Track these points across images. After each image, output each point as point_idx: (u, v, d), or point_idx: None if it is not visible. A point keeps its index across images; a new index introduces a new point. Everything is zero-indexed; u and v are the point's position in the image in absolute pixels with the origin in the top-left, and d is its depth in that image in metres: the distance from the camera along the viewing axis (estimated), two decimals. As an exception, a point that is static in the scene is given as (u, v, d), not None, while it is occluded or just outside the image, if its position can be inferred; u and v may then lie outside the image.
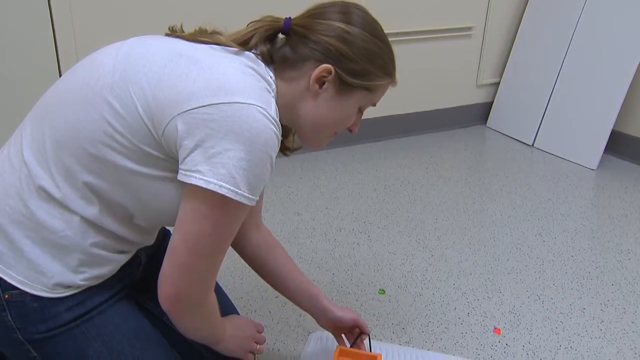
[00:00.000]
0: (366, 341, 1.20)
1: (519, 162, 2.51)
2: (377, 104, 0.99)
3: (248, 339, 1.09)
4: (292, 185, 2.20)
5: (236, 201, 0.78)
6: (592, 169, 2.43)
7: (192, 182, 0.77)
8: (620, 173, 2.40)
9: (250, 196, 0.80)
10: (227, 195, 0.77)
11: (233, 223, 0.83)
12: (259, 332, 1.13)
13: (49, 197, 0.84)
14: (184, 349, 1.06)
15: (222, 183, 0.76)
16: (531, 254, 1.77)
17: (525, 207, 2.09)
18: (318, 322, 1.20)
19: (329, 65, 0.88)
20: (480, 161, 2.58)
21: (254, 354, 1.11)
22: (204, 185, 0.76)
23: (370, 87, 0.92)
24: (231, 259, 1.10)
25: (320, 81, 0.89)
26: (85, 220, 0.86)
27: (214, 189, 0.76)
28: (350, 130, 0.98)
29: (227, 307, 1.18)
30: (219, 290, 1.21)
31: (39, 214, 0.84)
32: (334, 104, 0.91)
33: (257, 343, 1.12)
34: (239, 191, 0.77)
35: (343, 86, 0.90)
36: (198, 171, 0.77)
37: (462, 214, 2.02)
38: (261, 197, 1.10)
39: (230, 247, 0.94)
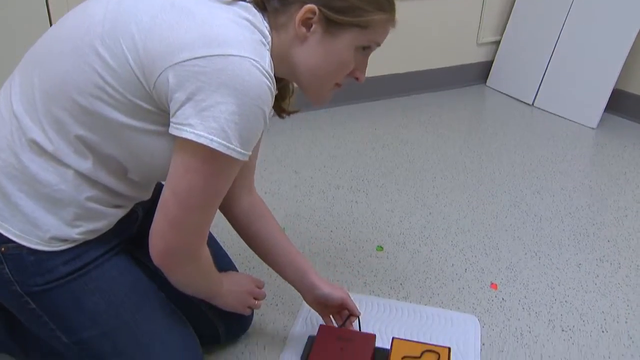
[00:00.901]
0: (355, 323, 1.17)
1: (518, 121, 2.49)
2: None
3: (246, 293, 1.10)
4: (290, 144, 2.19)
5: (227, 155, 0.77)
6: (592, 128, 2.41)
7: (183, 136, 0.76)
8: (620, 132, 2.39)
9: (242, 151, 0.78)
10: (218, 149, 0.76)
11: (224, 178, 0.82)
12: (259, 288, 1.13)
13: (41, 150, 0.83)
14: (182, 304, 1.07)
15: (213, 137, 0.75)
16: (529, 211, 1.78)
17: (524, 165, 2.08)
18: (305, 299, 1.16)
19: (311, 5, 0.83)
20: (480, 120, 2.56)
21: (252, 309, 1.11)
22: (195, 139, 0.75)
23: (362, 23, 0.86)
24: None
25: (307, 24, 0.85)
26: (80, 174, 0.85)
27: (204, 143, 0.75)
28: (357, 79, 0.93)
29: (224, 263, 1.18)
30: (215, 246, 1.21)
31: (32, 167, 0.84)
32: (326, 47, 0.86)
33: (256, 299, 1.13)
34: (230, 145, 0.76)
35: (331, 26, 0.85)
36: (189, 124, 0.75)
37: (460, 172, 2.02)
38: (254, 158, 1.08)
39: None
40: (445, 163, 2.08)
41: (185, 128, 0.76)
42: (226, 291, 1.05)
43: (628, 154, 2.19)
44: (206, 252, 0.91)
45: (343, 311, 1.16)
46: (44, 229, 0.85)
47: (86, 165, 0.85)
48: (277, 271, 1.15)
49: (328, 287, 1.13)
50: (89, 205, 0.87)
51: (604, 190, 1.92)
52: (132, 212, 0.99)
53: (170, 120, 0.78)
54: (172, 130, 0.77)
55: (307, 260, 1.15)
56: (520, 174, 2.01)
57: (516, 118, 2.53)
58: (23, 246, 0.85)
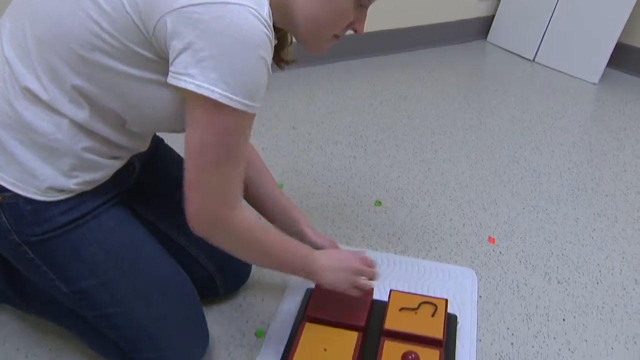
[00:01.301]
0: None
1: (518, 77, 2.46)
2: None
3: (350, 272, 1.02)
4: (288, 99, 2.16)
5: (232, 108, 0.75)
6: (594, 83, 2.39)
7: (182, 86, 0.74)
8: (622, 87, 2.36)
9: (249, 103, 0.76)
10: (220, 100, 0.74)
11: (235, 133, 0.79)
12: (369, 267, 1.05)
13: (35, 98, 0.82)
14: (180, 256, 1.07)
15: (214, 88, 0.73)
16: (528, 167, 1.77)
17: (523, 121, 2.06)
18: None
19: None
20: (480, 76, 2.52)
21: (363, 291, 1.03)
22: (195, 90, 0.73)
23: None
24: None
25: None
26: (75, 123, 0.83)
27: (205, 94, 0.73)
28: (355, 31, 0.91)
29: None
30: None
31: (26, 115, 0.82)
32: None
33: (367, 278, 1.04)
34: (234, 97, 0.74)
35: None
36: (188, 74, 0.73)
37: (459, 128, 2.00)
38: None
39: None
40: (444, 119, 2.06)
41: (184, 78, 0.74)
42: (323, 268, 0.99)
43: (629, 109, 2.17)
44: (248, 220, 0.87)
45: None
46: (40, 178, 0.84)
47: (82, 115, 0.83)
48: (272, 222, 1.13)
49: (315, 236, 1.11)
50: (86, 156, 0.86)
51: (604, 145, 1.91)
52: (129, 164, 0.98)
53: (169, 69, 0.76)
54: (171, 80, 0.75)
55: (303, 213, 1.14)
56: (519, 130, 2.00)
57: (516, 74, 2.50)
58: (20, 195, 0.84)
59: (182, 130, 0.92)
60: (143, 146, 0.98)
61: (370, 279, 1.04)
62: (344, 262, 1.02)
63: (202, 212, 0.83)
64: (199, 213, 0.83)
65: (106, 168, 0.91)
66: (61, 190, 0.86)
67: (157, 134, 1.12)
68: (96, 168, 0.89)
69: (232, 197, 0.84)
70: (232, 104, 0.75)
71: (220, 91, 0.73)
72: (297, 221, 1.12)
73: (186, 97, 0.77)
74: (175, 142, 1.18)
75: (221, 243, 0.89)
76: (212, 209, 0.83)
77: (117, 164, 0.94)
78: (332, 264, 1.00)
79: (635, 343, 1.15)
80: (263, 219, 1.12)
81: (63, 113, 0.82)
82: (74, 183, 0.87)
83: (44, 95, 0.81)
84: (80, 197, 0.89)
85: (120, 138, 0.89)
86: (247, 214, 0.87)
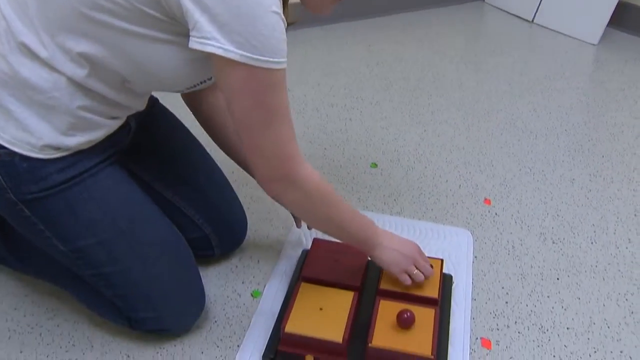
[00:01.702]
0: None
1: (517, 39, 2.43)
2: None
3: (407, 257, 1.03)
4: (283, 62, 2.13)
5: (263, 68, 0.74)
6: (593, 44, 2.35)
7: (209, 50, 0.72)
8: (622, 47, 2.33)
9: (278, 60, 0.75)
10: (250, 63, 0.73)
11: (273, 91, 0.78)
12: (425, 262, 1.06)
13: (32, 55, 0.80)
14: (176, 217, 1.07)
15: (242, 52, 0.72)
16: (525, 128, 1.76)
17: (521, 83, 2.04)
18: None
19: None
20: (477, 38, 2.48)
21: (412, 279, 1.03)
22: (223, 54, 0.72)
23: None
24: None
25: None
26: (73, 82, 0.82)
27: (234, 58, 0.72)
28: None
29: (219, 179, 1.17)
30: (211, 163, 1.18)
31: (23, 71, 0.80)
32: None
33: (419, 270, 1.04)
34: (262, 58, 0.73)
35: None
36: (214, 38, 0.72)
37: (456, 90, 1.98)
38: None
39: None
40: (441, 81, 2.04)
41: (210, 42, 0.72)
42: (384, 245, 1.00)
43: (629, 69, 2.15)
44: (315, 176, 0.88)
45: None
46: (36, 135, 0.83)
47: (81, 73, 0.81)
48: (243, 167, 1.13)
49: None
50: (83, 115, 0.85)
51: (601, 106, 1.90)
52: (125, 123, 0.97)
53: (191, 33, 0.74)
54: (195, 45, 0.74)
55: None
56: (517, 92, 1.98)
57: (515, 35, 2.46)
58: (15, 153, 0.83)
59: (184, 90, 0.91)
60: (141, 105, 0.97)
61: (423, 273, 1.04)
62: (404, 246, 1.04)
63: (269, 173, 0.85)
64: (266, 174, 0.85)
65: (104, 128, 0.90)
66: (58, 148, 0.85)
67: (153, 93, 1.10)
68: (93, 127, 0.88)
69: (292, 152, 0.85)
70: (262, 64, 0.74)
71: (248, 54, 0.73)
72: None
73: (215, 63, 0.76)
74: (170, 102, 1.17)
75: (292, 201, 0.90)
76: (276, 167, 0.85)
77: (115, 124, 0.92)
78: (393, 245, 1.02)
79: (626, 300, 1.17)
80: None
81: (61, 71, 0.81)
82: (70, 141, 0.86)
83: (42, 53, 0.80)
84: (77, 155, 0.88)
85: (119, 97, 0.87)
86: (315, 171, 0.89)
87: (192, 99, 1.09)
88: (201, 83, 0.88)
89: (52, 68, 0.81)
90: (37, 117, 0.83)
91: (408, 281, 1.03)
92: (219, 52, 0.72)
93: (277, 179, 0.86)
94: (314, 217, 0.96)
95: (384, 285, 1.07)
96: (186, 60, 0.80)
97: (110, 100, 0.87)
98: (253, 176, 0.94)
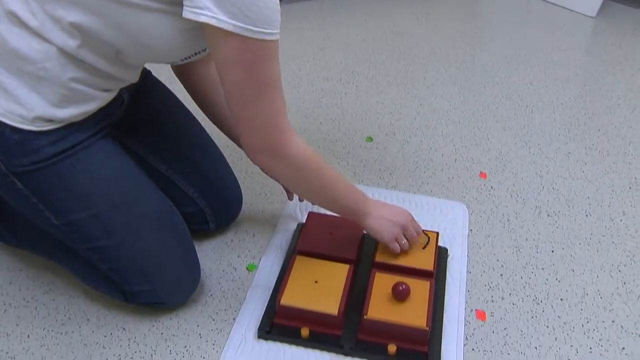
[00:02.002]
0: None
1: (514, 12, 2.40)
2: None
3: (397, 225, 1.03)
4: (277, 36, 2.10)
5: (257, 39, 0.73)
6: (591, 17, 2.33)
7: (202, 20, 0.71)
8: (620, 19, 2.31)
9: (272, 31, 0.74)
10: (243, 34, 0.72)
11: (266, 63, 0.77)
12: (416, 230, 1.07)
13: (21, 23, 0.78)
14: (170, 191, 1.06)
15: (235, 22, 0.71)
16: (521, 102, 1.75)
17: (517, 56, 2.02)
18: None
19: None
20: (474, 11, 2.45)
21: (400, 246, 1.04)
22: (217, 24, 0.71)
23: None
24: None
25: None
26: (64, 52, 0.80)
27: (227, 28, 0.71)
28: None
29: (213, 152, 1.16)
30: (205, 136, 1.17)
31: (11, 40, 0.79)
32: None
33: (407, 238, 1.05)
34: (256, 28, 0.72)
35: None
36: (207, 7, 0.70)
37: (452, 64, 1.96)
38: None
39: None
40: (437, 54, 2.02)
41: (203, 12, 0.71)
42: (374, 216, 1.01)
43: (626, 41, 2.13)
44: (305, 150, 0.88)
45: None
46: (27, 107, 0.82)
47: (73, 43, 0.80)
48: (232, 138, 1.13)
49: None
50: (75, 87, 0.84)
51: (598, 79, 1.89)
52: (118, 96, 0.96)
53: (184, 3, 0.73)
54: (188, 14, 0.72)
55: None
56: (513, 66, 1.96)
57: (511, 9, 2.43)
58: (6, 124, 0.82)
59: (179, 61, 0.90)
60: (134, 77, 0.95)
61: (409, 241, 1.06)
62: (395, 215, 1.04)
63: (257, 144, 0.85)
64: (255, 145, 0.85)
65: (96, 100, 0.88)
66: (49, 121, 0.84)
67: (145, 65, 1.08)
68: (86, 99, 0.86)
69: (282, 126, 0.84)
70: (255, 35, 0.73)
71: (242, 25, 0.72)
72: None
73: (208, 33, 0.75)
74: (164, 77, 1.15)
75: (280, 174, 0.91)
76: (265, 139, 0.84)
77: (107, 96, 0.91)
78: (384, 214, 1.02)
79: (619, 271, 1.18)
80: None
81: (52, 41, 0.79)
82: (62, 113, 0.85)
83: (32, 22, 0.78)
84: (69, 128, 0.87)
85: (112, 69, 0.86)
86: (304, 144, 0.88)
87: (183, 70, 1.08)
88: (196, 54, 0.87)
89: (42, 38, 0.79)
90: (28, 88, 0.81)
91: (398, 249, 1.04)
92: (212, 22, 0.71)
93: (265, 150, 0.86)
94: (304, 190, 0.96)
95: (379, 258, 1.08)
96: (180, 30, 0.78)
97: (102, 72, 0.85)
98: (241, 147, 0.93)
